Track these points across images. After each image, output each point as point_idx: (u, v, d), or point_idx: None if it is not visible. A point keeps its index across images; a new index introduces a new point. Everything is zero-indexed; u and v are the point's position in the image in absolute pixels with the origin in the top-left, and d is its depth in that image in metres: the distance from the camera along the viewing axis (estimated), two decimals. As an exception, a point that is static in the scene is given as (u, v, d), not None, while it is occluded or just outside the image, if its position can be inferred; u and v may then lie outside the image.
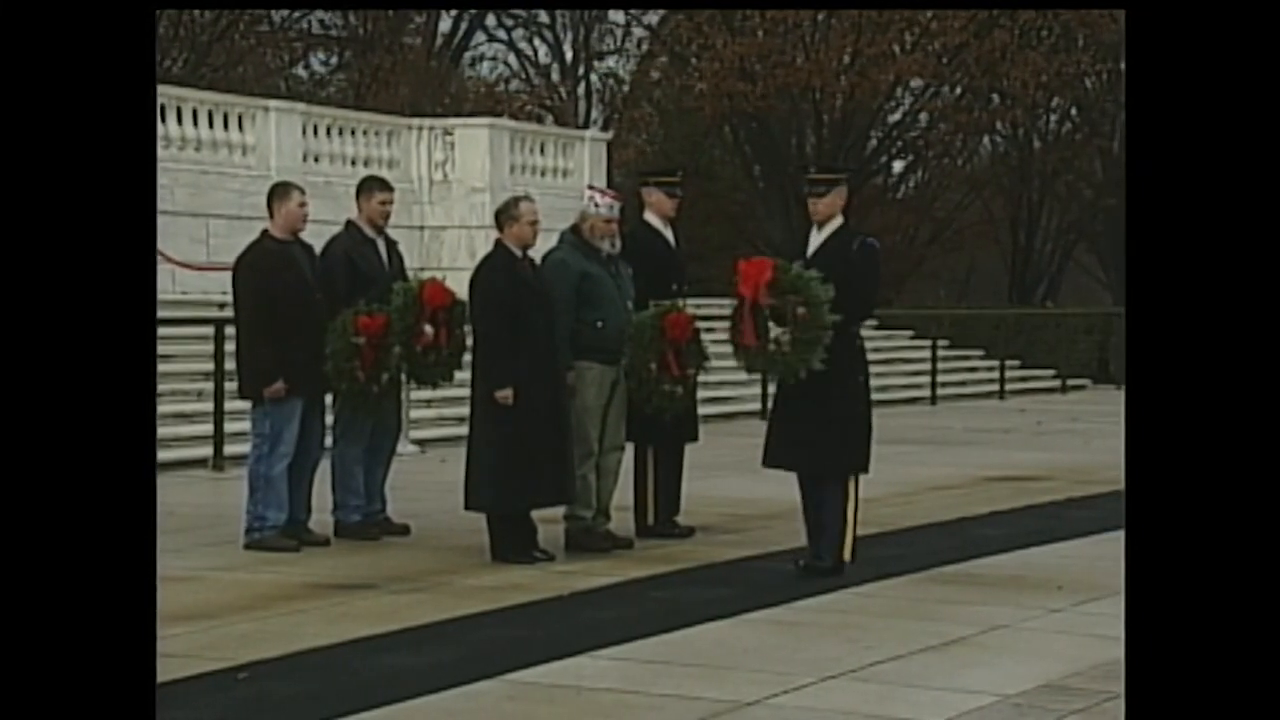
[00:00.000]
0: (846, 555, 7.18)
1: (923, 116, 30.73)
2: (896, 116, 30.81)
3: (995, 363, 21.38)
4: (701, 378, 8.38)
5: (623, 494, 8.24)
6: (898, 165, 32.97)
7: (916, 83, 29.72)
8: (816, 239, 7.23)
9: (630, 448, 8.28)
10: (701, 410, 8.96)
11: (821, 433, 7.07)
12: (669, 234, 8.59)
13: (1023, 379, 21.89)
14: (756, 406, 16.07)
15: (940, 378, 19.81)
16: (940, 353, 20.36)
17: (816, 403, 7.02)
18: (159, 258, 15.10)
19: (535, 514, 7.69)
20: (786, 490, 8.24)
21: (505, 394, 7.41)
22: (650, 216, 8.60)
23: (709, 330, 8.58)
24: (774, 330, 6.90)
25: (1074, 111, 32.37)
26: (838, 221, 7.23)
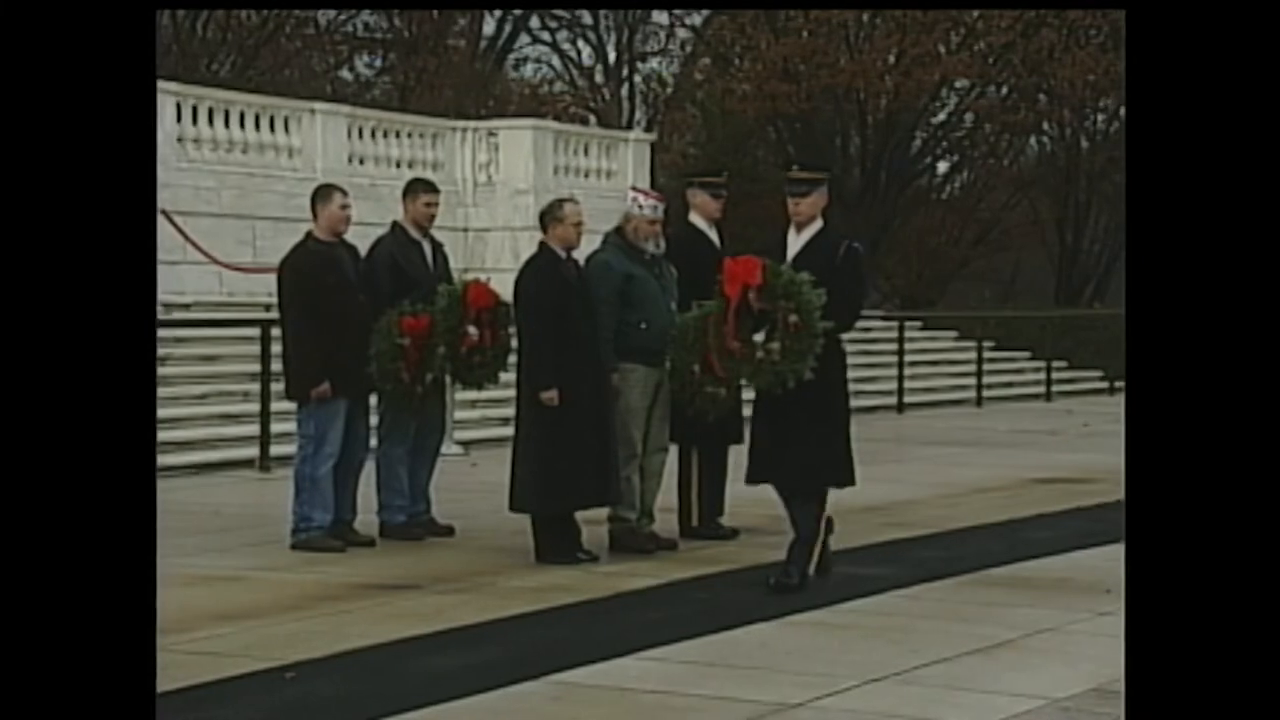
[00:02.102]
0: (811, 569, 6.93)
1: (968, 116, 30.57)
2: (941, 117, 30.66)
3: (1042, 364, 21.24)
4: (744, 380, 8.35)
5: (666, 495, 8.23)
6: (942, 166, 32.81)
7: (962, 83, 29.57)
8: (796, 241, 6.87)
9: (674, 449, 8.27)
10: (745, 412, 8.93)
11: (800, 446, 6.75)
12: (713, 235, 8.58)
13: (1069, 380, 21.74)
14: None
15: (986, 379, 19.69)
16: (986, 354, 20.24)
17: (796, 413, 6.71)
18: (207, 259, 15.22)
19: (579, 515, 7.69)
20: (830, 492, 8.18)
21: (550, 395, 7.41)
22: (695, 218, 8.59)
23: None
24: (761, 337, 6.63)
25: (1122, 111, 32.14)
26: (819, 224, 6.90)
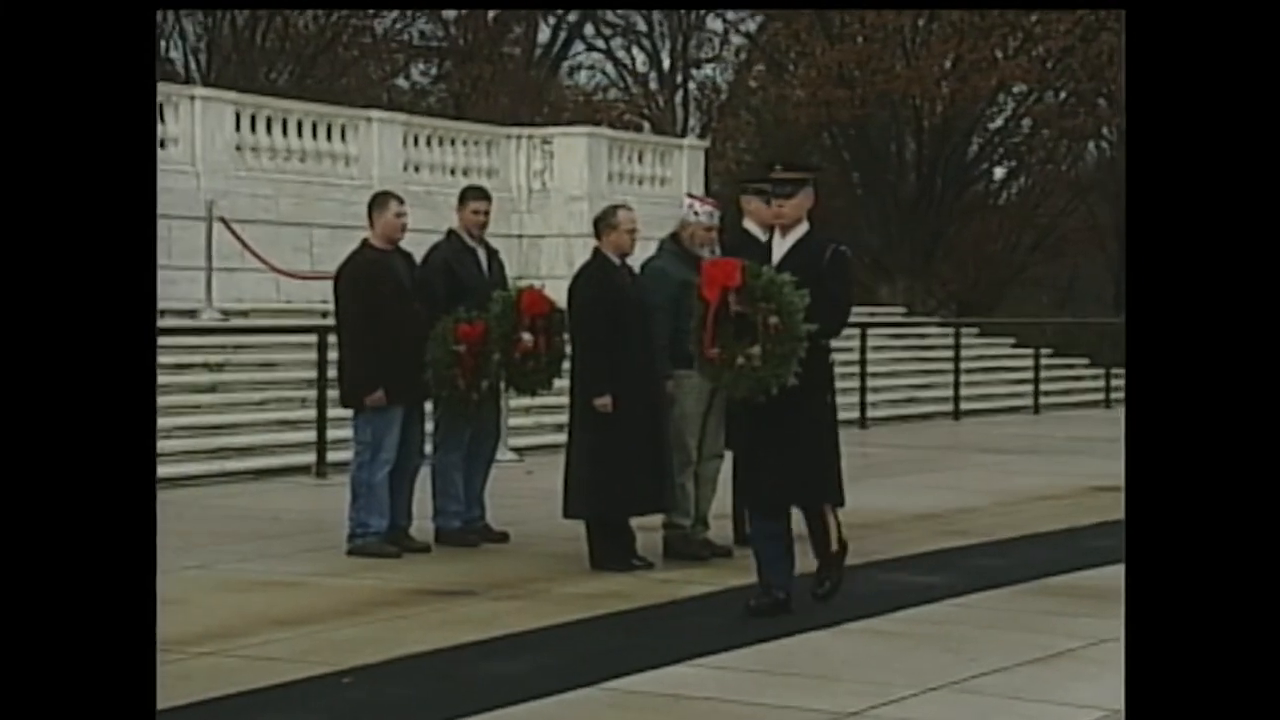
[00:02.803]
0: (828, 586, 6.63)
1: (1025, 122, 30.35)
2: (999, 122, 30.46)
3: (1100, 371, 21.04)
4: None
5: (721, 502, 8.21)
6: (999, 171, 32.60)
7: (1019, 88, 29.37)
8: (781, 245, 6.51)
9: (729, 456, 8.25)
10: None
11: (781, 460, 6.34)
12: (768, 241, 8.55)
13: (1129, 388, 21.50)
14: (855, 415, 15.96)
15: (1043, 386, 19.53)
16: (1043, 361, 20.08)
17: (777, 425, 6.31)
18: (265, 266, 15.34)
19: (634, 522, 7.68)
20: (883, 499, 8.23)
21: (604, 402, 7.41)
22: (750, 224, 8.55)
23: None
24: (741, 343, 6.22)
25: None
26: (805, 227, 6.54)
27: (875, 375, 17.16)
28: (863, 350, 16.62)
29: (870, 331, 17.47)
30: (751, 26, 31.82)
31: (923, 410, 17.64)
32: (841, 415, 17.77)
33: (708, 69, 33.69)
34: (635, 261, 7.86)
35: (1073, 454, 13.93)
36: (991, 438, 15.41)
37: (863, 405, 16.26)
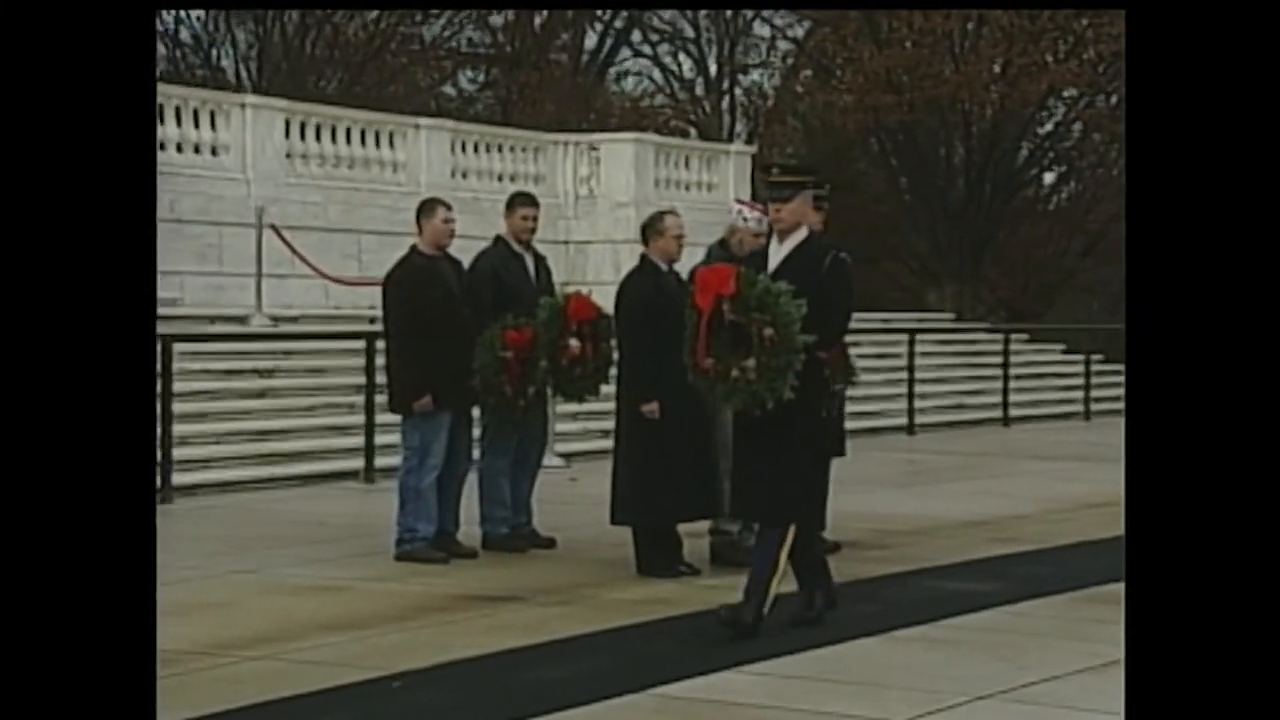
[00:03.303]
0: (766, 609, 6.18)
1: (1076, 126, 30.14)
2: (1049, 127, 30.26)
3: (1151, 377, 20.83)
4: (848, 391, 8.28)
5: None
6: (1049, 176, 32.37)
7: (1070, 91, 29.17)
8: (778, 252, 6.25)
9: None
10: (848, 424, 8.86)
11: (767, 470, 6.09)
12: (816, 247, 8.52)
13: (1180, 394, 21.30)
14: (903, 421, 15.88)
15: (1094, 393, 19.37)
16: (1094, 367, 19.92)
17: (765, 436, 6.07)
18: (314, 273, 15.43)
19: (681, 528, 7.67)
20: (934, 506, 8.17)
21: (651, 408, 7.40)
22: (797, 229, 8.53)
23: (855, 344, 8.49)
24: (736, 354, 5.96)
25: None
26: (804, 232, 6.29)
27: (924, 381, 17.05)
28: (911, 356, 16.51)
29: (919, 338, 17.37)
30: (799, 32, 31.77)
31: (972, 416, 17.51)
32: (889, 421, 17.72)
33: (754, 74, 33.68)
34: (683, 267, 7.85)
35: (1123, 461, 13.79)
36: (1041, 444, 15.30)
37: (911, 411, 16.16)
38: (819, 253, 6.26)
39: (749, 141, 28.96)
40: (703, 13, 32.22)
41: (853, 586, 7.40)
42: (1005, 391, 17.78)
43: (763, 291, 6.01)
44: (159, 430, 10.20)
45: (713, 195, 20.09)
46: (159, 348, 10.57)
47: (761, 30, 32.62)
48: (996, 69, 27.95)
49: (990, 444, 15.16)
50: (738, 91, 33.48)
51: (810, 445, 6.26)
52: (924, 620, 6.52)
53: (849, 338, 8.24)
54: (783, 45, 32.56)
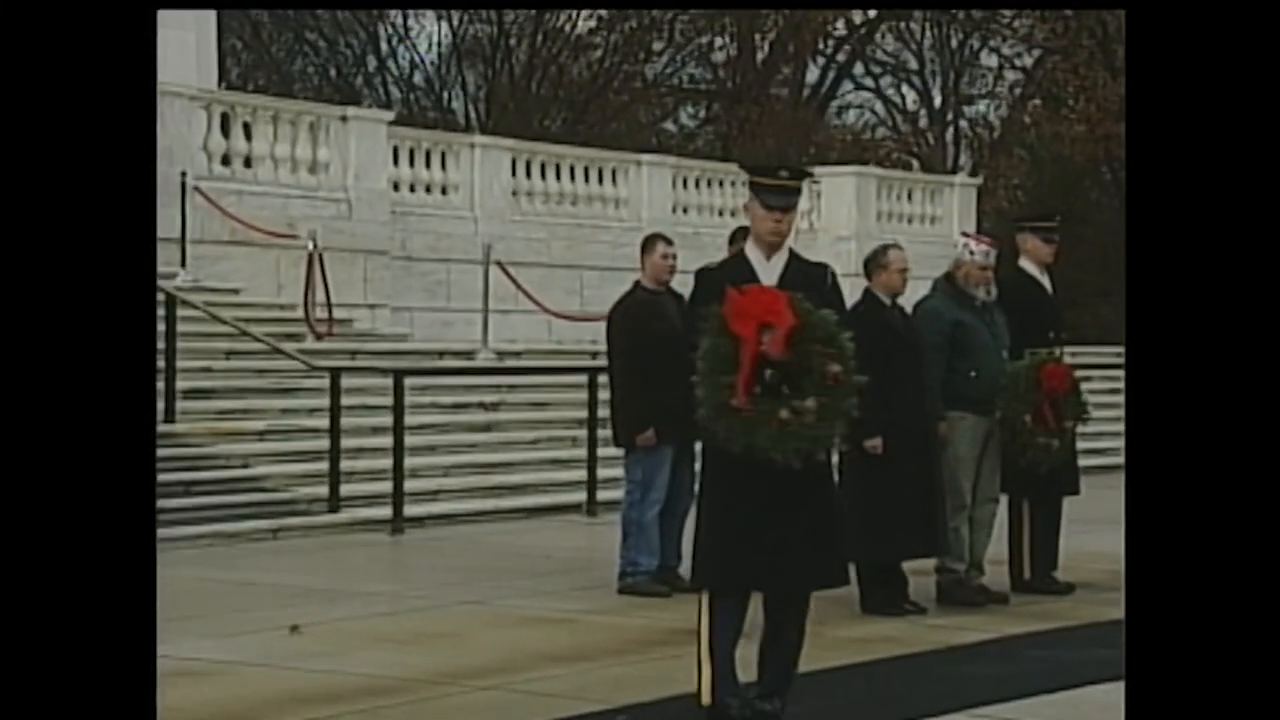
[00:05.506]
0: (705, 696, 5.31)
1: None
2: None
3: None
4: (1082, 428, 8.05)
5: (997, 547, 7.98)
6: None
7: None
8: (769, 269, 5.28)
9: (1005, 500, 8.02)
10: (1083, 461, 8.61)
11: (798, 531, 5.20)
12: (1045, 281, 8.32)
13: None
14: (1118, 460, 15.29)
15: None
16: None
17: (795, 490, 5.11)
18: (537, 308, 15.69)
19: (907, 566, 7.53)
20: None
21: (874, 443, 7.30)
22: (1026, 263, 8.35)
23: (1087, 379, 8.25)
24: (784, 395, 4.97)
25: None
26: (787, 246, 5.40)
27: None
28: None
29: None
30: (1028, 61, 31.17)
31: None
32: (1102, 461, 17.02)
33: (980, 105, 33.14)
34: (905, 301, 7.73)
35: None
36: None
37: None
38: (816, 267, 5.40)
39: (973, 174, 28.49)
40: (927, 43, 31.89)
41: (1088, 630, 7.16)
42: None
43: (820, 321, 5.01)
44: (391, 463, 10.47)
45: (936, 228, 19.81)
46: (391, 382, 10.86)
47: (989, 60, 32.14)
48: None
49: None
50: (962, 123, 33.00)
51: (834, 495, 5.38)
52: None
53: (1080, 374, 8.04)
54: (1010, 75, 32.00)
